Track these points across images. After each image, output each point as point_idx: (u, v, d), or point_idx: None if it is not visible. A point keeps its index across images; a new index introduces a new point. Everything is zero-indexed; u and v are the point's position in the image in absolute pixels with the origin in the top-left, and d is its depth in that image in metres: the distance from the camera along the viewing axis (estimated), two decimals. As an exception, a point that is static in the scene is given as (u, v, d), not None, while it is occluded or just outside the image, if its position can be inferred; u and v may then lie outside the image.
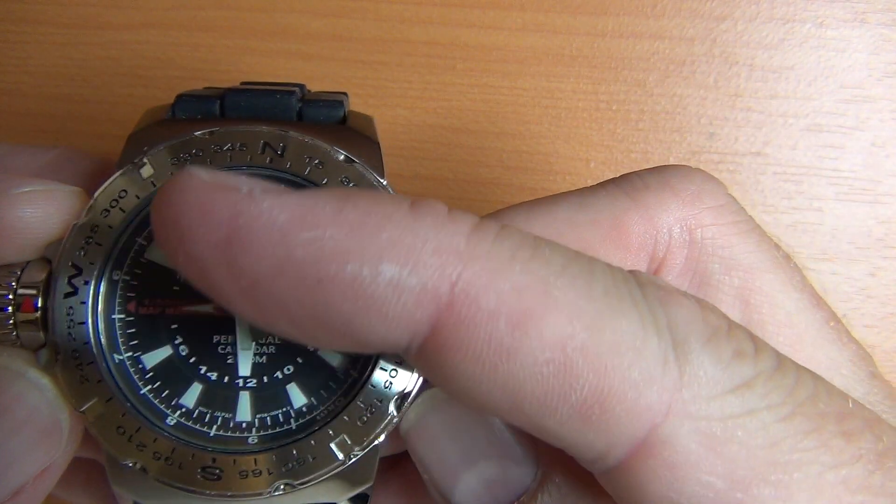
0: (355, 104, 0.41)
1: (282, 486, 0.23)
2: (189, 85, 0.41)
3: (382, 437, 0.23)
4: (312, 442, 0.23)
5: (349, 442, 0.23)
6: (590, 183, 0.42)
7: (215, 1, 0.42)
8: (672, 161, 0.41)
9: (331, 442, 0.23)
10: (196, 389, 0.24)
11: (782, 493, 0.18)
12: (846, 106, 0.41)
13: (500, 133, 0.41)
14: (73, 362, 0.23)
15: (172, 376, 0.24)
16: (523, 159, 0.41)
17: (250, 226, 0.16)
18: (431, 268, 0.17)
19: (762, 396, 0.19)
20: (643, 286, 0.19)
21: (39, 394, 0.22)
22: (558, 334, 0.17)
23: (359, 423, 0.23)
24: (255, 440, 0.24)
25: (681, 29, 0.41)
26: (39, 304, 0.23)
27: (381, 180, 0.24)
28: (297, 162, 0.24)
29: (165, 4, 0.42)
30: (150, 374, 0.24)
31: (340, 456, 0.23)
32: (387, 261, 0.17)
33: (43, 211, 0.22)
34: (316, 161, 0.24)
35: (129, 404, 0.23)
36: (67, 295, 0.23)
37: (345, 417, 0.23)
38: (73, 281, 0.23)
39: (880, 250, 0.40)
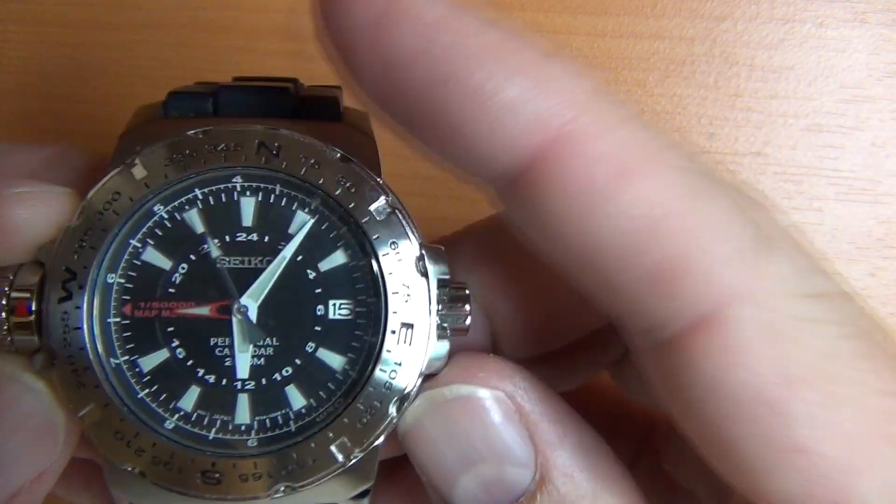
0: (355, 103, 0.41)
1: (282, 489, 0.23)
2: (189, 85, 0.41)
3: (382, 439, 0.23)
4: (312, 444, 0.23)
5: (349, 444, 0.23)
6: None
7: (215, 1, 0.42)
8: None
9: (331, 444, 0.23)
10: (194, 392, 0.24)
11: (828, 403, 0.18)
12: (846, 106, 0.41)
13: (500, 133, 0.41)
14: (68, 367, 0.22)
15: (170, 380, 0.24)
16: (523, 159, 0.41)
17: (402, 13, 0.18)
18: (549, 102, 0.18)
19: (829, 311, 0.19)
20: (738, 185, 0.20)
21: (35, 398, 0.22)
22: (656, 194, 0.18)
23: (358, 424, 0.23)
24: (255, 443, 0.24)
25: (681, 29, 0.41)
26: (33, 308, 0.22)
27: (378, 178, 0.24)
28: (292, 162, 0.24)
29: (165, 4, 0.42)
30: (147, 377, 0.24)
31: (340, 458, 0.23)
32: (512, 82, 0.18)
33: (34, 212, 0.22)
34: (312, 161, 0.24)
35: (126, 408, 0.23)
36: (61, 300, 0.22)
37: (344, 419, 0.23)
38: (67, 285, 0.22)
39: (880, 250, 0.40)
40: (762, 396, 0.18)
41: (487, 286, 0.25)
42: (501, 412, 0.22)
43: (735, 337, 0.18)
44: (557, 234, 0.19)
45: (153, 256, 0.24)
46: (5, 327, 0.22)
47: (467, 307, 0.23)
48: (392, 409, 0.23)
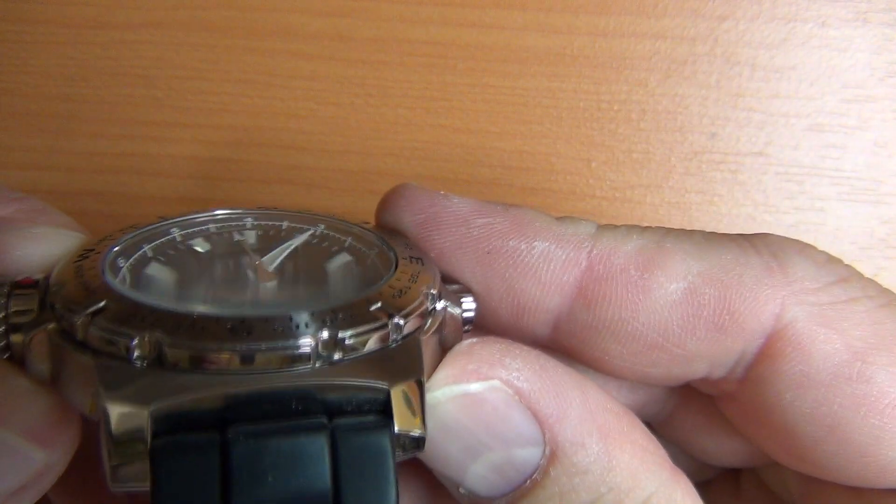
0: (355, 104, 0.41)
1: (325, 335, 0.18)
2: (189, 85, 0.41)
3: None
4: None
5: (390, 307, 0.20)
6: (591, 183, 0.42)
7: (215, 1, 0.42)
8: (674, 161, 0.41)
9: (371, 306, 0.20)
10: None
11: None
12: (848, 106, 0.40)
13: (501, 133, 0.41)
14: None
15: None
16: (523, 159, 0.41)
17: (442, 214, 0.23)
18: (571, 244, 0.23)
19: (860, 289, 0.23)
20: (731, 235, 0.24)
21: (34, 396, 0.22)
22: (678, 269, 0.22)
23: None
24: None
25: (683, 29, 0.41)
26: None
27: None
28: None
29: (165, 4, 0.42)
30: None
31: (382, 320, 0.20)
32: (539, 239, 0.23)
33: (45, 251, 0.22)
34: None
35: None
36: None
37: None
38: None
39: (883, 250, 0.40)
40: (843, 374, 0.21)
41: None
42: (499, 400, 0.21)
43: (800, 333, 0.22)
44: (626, 332, 0.23)
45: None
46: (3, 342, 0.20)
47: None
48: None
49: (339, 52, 0.41)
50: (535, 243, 0.23)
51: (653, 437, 0.22)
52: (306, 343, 0.18)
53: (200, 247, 0.24)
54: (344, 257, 0.24)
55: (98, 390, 0.17)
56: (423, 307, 0.21)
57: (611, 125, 0.41)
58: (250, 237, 0.25)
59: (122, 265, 0.22)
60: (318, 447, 0.18)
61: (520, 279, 0.23)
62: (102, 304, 0.19)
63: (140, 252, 0.23)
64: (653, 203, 0.41)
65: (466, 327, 0.24)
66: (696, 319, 0.22)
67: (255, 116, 0.41)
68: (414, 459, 0.23)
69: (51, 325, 0.19)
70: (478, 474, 0.21)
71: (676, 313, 0.22)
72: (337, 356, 0.19)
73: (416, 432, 0.19)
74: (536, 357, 0.22)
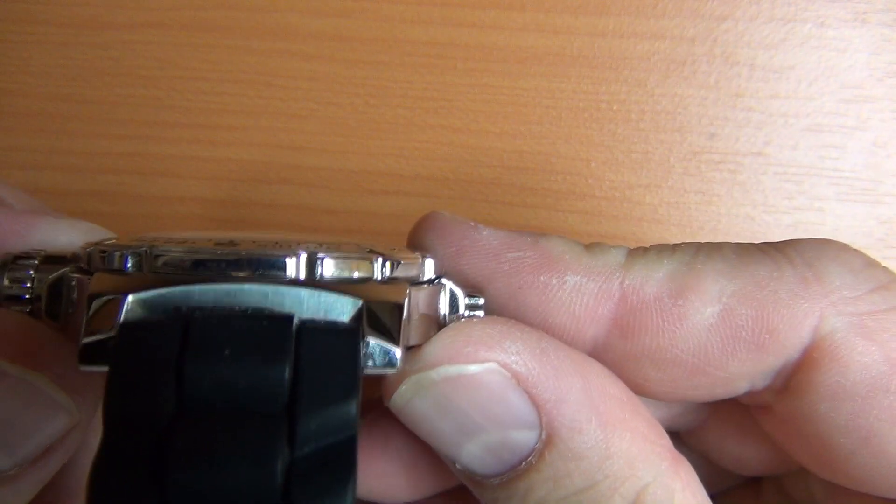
0: (355, 104, 0.41)
1: (308, 255, 0.19)
2: (189, 85, 0.41)
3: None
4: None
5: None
6: (590, 183, 0.42)
7: (215, 1, 0.42)
8: (673, 161, 0.41)
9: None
10: None
11: None
12: (847, 106, 0.41)
13: (500, 133, 0.41)
14: None
15: None
16: (523, 159, 0.41)
17: (472, 245, 0.23)
18: (602, 276, 0.23)
19: None
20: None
21: (61, 344, 0.22)
22: (711, 291, 0.22)
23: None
24: None
25: (682, 29, 0.41)
26: None
27: None
28: None
29: (165, 4, 0.42)
30: None
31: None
32: (569, 273, 0.23)
33: (68, 240, 0.23)
34: None
35: None
36: None
37: None
38: None
39: (881, 250, 0.40)
40: (881, 385, 0.21)
41: None
42: (496, 383, 0.21)
43: (838, 345, 0.21)
44: (669, 359, 0.23)
45: None
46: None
47: None
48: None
49: (339, 52, 0.41)
50: (567, 277, 0.23)
51: (657, 426, 0.22)
52: (287, 255, 0.18)
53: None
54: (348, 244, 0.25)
55: (89, 291, 0.18)
56: (417, 263, 0.21)
57: (610, 125, 0.41)
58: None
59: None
60: (281, 333, 0.17)
61: (553, 314, 0.23)
62: (112, 240, 0.20)
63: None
64: (652, 203, 0.41)
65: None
66: (736, 341, 0.22)
67: (255, 116, 0.41)
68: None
69: (66, 269, 0.20)
70: (472, 454, 0.21)
71: (715, 336, 0.22)
72: (317, 277, 0.19)
73: (388, 345, 0.19)
74: (538, 339, 0.22)
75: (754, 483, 0.30)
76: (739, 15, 0.41)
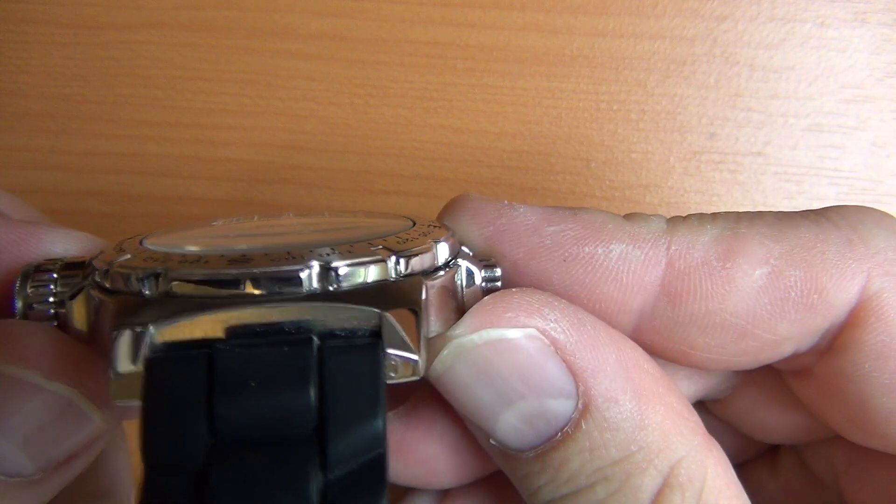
0: (355, 104, 0.41)
1: (321, 265, 0.19)
2: (189, 85, 0.41)
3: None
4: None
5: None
6: (590, 183, 0.42)
7: (215, 1, 0.42)
8: (673, 161, 0.41)
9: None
10: None
11: None
12: (847, 106, 0.41)
13: (500, 133, 0.41)
14: None
15: None
16: (523, 159, 0.41)
17: (509, 223, 0.23)
18: (648, 243, 0.22)
19: None
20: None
21: (91, 358, 0.22)
22: (758, 253, 0.22)
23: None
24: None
25: (681, 29, 0.41)
26: None
27: None
28: None
29: (165, 4, 0.42)
30: None
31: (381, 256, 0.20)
32: (615, 242, 0.22)
33: (64, 250, 0.23)
34: None
35: None
36: None
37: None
38: None
39: (881, 250, 0.40)
40: None
41: None
42: (535, 349, 0.21)
43: (885, 304, 0.22)
44: (720, 325, 0.23)
45: None
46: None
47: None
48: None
49: (339, 52, 0.41)
50: (612, 246, 0.22)
51: (688, 404, 0.22)
52: (301, 269, 0.18)
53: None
54: (357, 218, 0.25)
55: (112, 320, 0.19)
56: (430, 252, 0.21)
57: (610, 125, 0.41)
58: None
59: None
60: (303, 358, 0.17)
61: (600, 284, 0.23)
62: (128, 256, 0.20)
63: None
64: (652, 203, 0.41)
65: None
66: (785, 302, 0.22)
67: (254, 116, 0.41)
68: (447, 411, 0.23)
69: (87, 283, 0.21)
70: (509, 423, 0.21)
71: (764, 298, 0.22)
72: (332, 287, 0.19)
73: (409, 354, 0.19)
74: (575, 311, 0.22)
75: (771, 456, 0.30)
76: (739, 15, 0.41)
